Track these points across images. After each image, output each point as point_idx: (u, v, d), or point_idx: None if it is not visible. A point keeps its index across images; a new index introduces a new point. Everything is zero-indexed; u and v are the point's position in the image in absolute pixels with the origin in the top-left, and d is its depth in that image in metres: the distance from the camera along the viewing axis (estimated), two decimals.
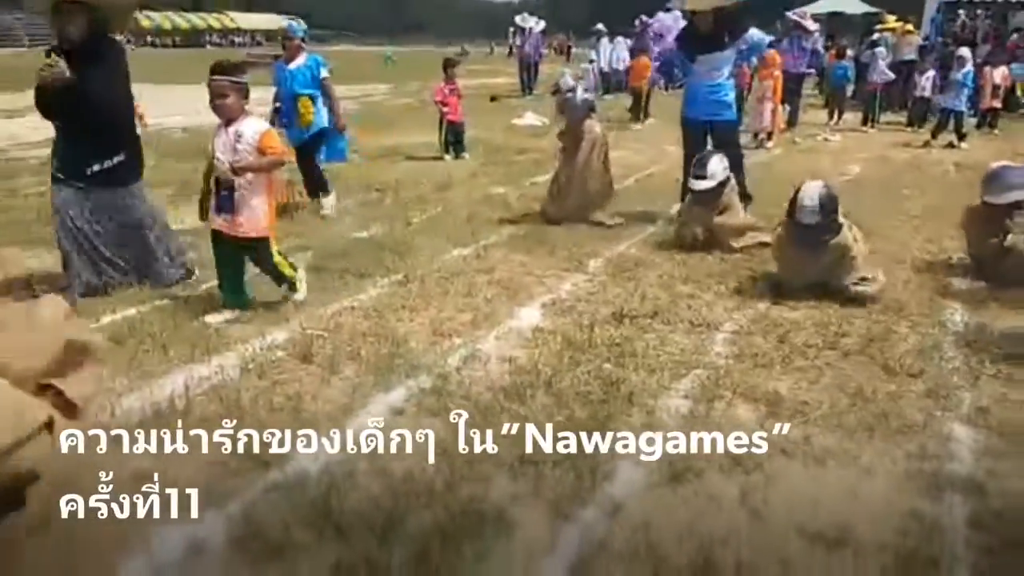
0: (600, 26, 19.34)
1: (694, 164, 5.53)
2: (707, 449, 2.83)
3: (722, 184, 5.46)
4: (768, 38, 6.90)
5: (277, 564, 2.28)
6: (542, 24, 20.27)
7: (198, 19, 59.53)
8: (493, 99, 16.86)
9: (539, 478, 2.69)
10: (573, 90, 5.66)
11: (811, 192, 4.26)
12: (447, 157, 9.51)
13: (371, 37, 64.82)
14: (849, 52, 14.65)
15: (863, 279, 4.33)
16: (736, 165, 5.93)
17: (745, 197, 6.02)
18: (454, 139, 9.66)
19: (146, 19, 51.98)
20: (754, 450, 2.77)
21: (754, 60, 11.92)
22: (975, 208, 5.02)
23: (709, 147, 6.00)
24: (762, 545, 2.35)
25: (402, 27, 77.26)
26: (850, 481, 2.70)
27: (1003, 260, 4.71)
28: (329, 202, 6.53)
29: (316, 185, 6.59)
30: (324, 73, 6.50)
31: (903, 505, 2.56)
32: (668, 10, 12.32)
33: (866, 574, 2.24)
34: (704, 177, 5.39)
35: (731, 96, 6.28)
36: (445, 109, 9.61)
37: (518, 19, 20.90)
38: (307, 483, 2.64)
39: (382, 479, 2.69)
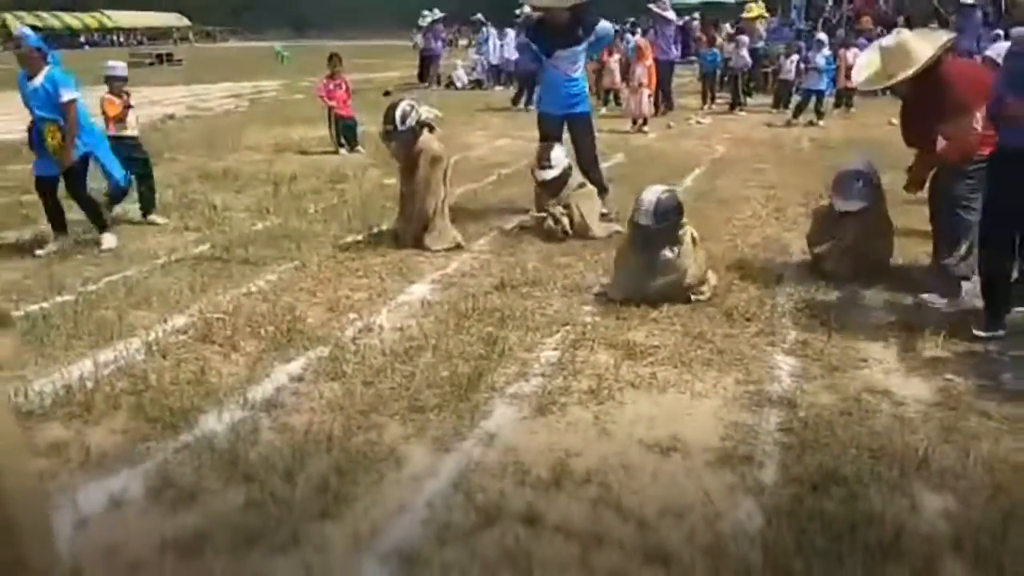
0: (479, 16, 19.76)
1: (537, 158, 5.76)
2: (570, 387, 3.32)
3: (567, 171, 5.70)
4: (613, 28, 7.08)
5: (190, 507, 2.58)
6: (438, 16, 20.55)
7: (72, 19, 56.60)
8: (387, 93, 17.02)
9: (425, 423, 3.09)
10: (404, 117, 5.32)
11: (650, 196, 4.26)
12: (341, 151, 9.72)
13: (264, 33, 63.21)
14: (718, 39, 15.62)
15: (693, 286, 4.27)
16: (593, 157, 6.29)
17: (602, 190, 6.19)
18: (346, 133, 9.88)
19: (13, 19, 49.14)
20: (607, 385, 3.29)
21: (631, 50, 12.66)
22: (820, 209, 5.09)
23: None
24: (608, 454, 2.82)
25: (295, 22, 75.57)
26: (685, 403, 3.23)
27: (838, 261, 4.72)
28: (109, 240, 5.53)
29: (91, 219, 5.60)
30: (65, 95, 5.24)
31: (728, 418, 3.10)
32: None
33: (692, 470, 2.74)
34: (550, 167, 5.65)
35: (585, 89, 6.40)
36: (331, 103, 9.82)
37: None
38: (214, 440, 2.95)
39: (284, 433, 3.03)
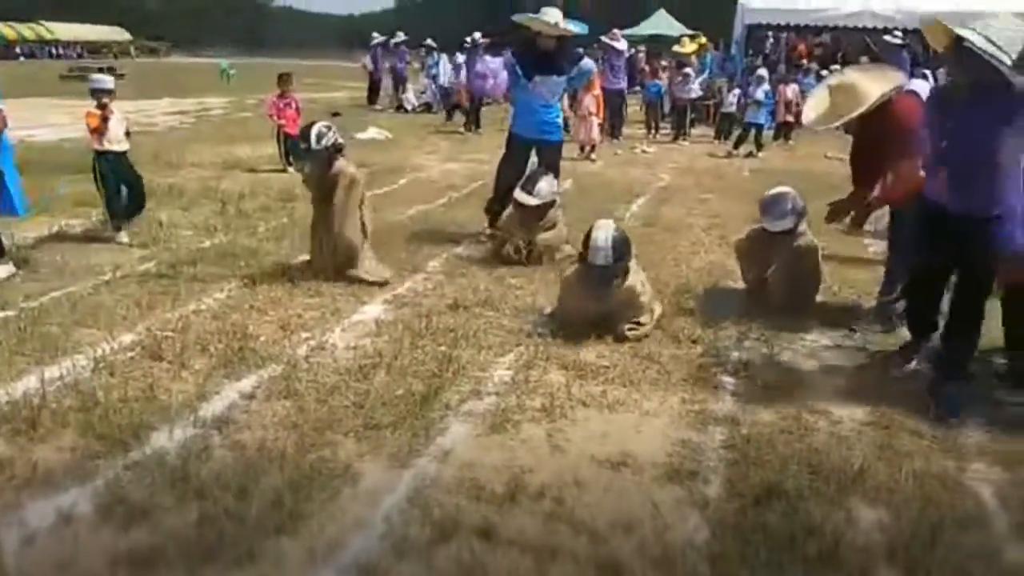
0: (429, 41, 19.99)
1: (525, 180, 5.70)
2: (524, 404, 3.39)
3: (549, 204, 5.70)
4: (594, 68, 7.24)
5: (142, 524, 2.55)
6: (381, 39, 20.68)
7: (7, 28, 54.92)
8: (335, 114, 17.01)
9: (380, 440, 3.11)
10: (319, 137, 5.03)
11: (604, 234, 4.21)
12: (289, 170, 9.67)
13: (208, 49, 62.32)
14: (661, 71, 16.12)
15: (638, 323, 4.26)
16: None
17: None
18: (295, 152, 9.83)
19: None
20: (559, 404, 3.37)
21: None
22: (750, 234, 5.15)
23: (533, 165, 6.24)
24: (561, 470, 2.90)
25: (241, 39, 74.77)
26: (635, 421, 3.33)
27: (775, 284, 4.82)
28: (3, 270, 5.11)
29: None
30: None
31: (675, 436, 3.21)
32: (496, 53, 13.05)
33: (642, 483, 2.84)
34: (532, 194, 5.59)
35: (560, 119, 6.46)
36: (281, 122, 9.79)
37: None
38: (165, 458, 2.92)
39: (236, 451, 3.02)
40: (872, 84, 4.21)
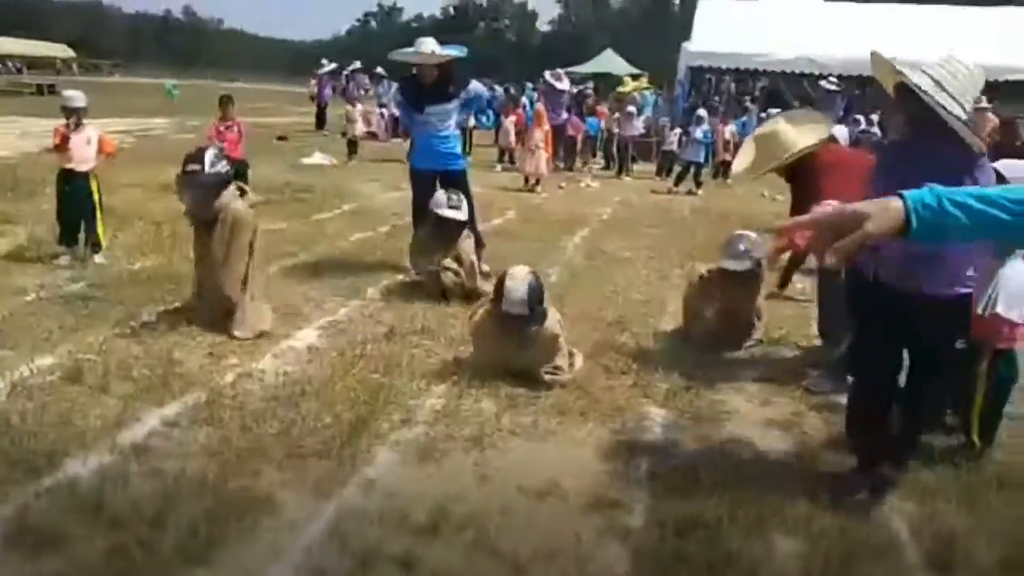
0: (380, 70, 20.10)
1: (446, 198, 5.53)
2: (453, 433, 3.39)
3: (471, 219, 5.69)
4: (486, 92, 7.21)
5: (52, 553, 2.46)
6: (332, 66, 20.69)
7: None
8: (281, 138, 16.87)
9: (305, 469, 3.06)
10: (213, 162, 4.49)
11: (519, 282, 3.98)
12: None
13: (151, 69, 61.26)
14: (601, 108, 16.62)
15: (557, 367, 4.08)
16: (471, 214, 6.07)
17: (480, 245, 6.14)
18: (236, 176, 9.69)
19: None
20: (489, 433, 3.37)
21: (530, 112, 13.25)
22: (695, 283, 5.04)
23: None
24: (486, 500, 2.89)
25: (189, 60, 73.81)
26: (563, 451, 3.35)
27: (714, 323, 4.80)
28: None
29: None
30: None
31: (602, 467, 3.23)
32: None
33: (566, 513, 2.85)
34: (459, 208, 5.49)
35: (459, 147, 6.39)
36: (221, 145, 9.65)
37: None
38: (79, 485, 2.82)
39: (154, 478, 2.93)
40: (796, 134, 4.15)
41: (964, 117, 2.81)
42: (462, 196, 5.64)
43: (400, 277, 6.08)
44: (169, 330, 4.52)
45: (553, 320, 4.15)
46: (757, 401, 4.08)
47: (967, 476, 3.28)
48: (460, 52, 6.27)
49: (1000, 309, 3.27)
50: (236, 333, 4.47)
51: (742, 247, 4.76)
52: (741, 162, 4.51)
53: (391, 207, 9.53)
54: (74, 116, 6.03)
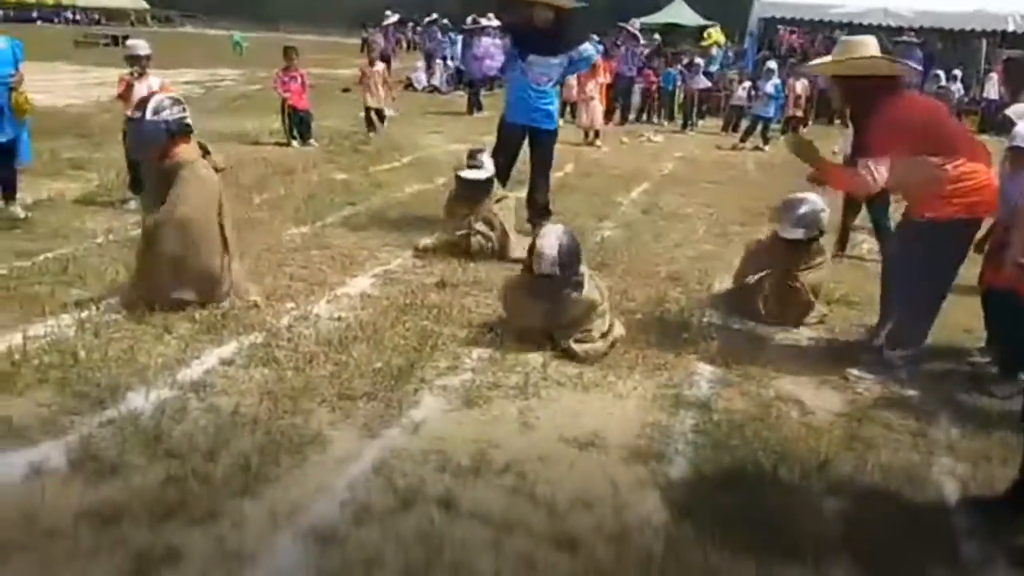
0: (445, 21, 19.94)
1: (468, 157, 5.37)
2: (499, 382, 3.42)
3: (492, 179, 5.38)
4: (598, 51, 6.73)
5: (112, 480, 2.60)
6: (395, 17, 20.65)
7: None
8: (346, 90, 16.97)
9: (353, 410, 3.15)
10: (157, 110, 3.97)
11: (551, 241, 3.75)
12: (294, 143, 9.69)
13: (222, 21, 62.08)
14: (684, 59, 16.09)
15: (586, 333, 3.80)
16: (546, 177, 6.04)
17: (546, 212, 6.02)
18: (300, 126, 9.85)
19: None
20: (534, 383, 3.40)
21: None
22: (759, 241, 4.77)
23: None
24: (528, 447, 2.93)
25: (255, 13, 74.51)
26: (607, 402, 3.35)
27: (742, 293, 4.53)
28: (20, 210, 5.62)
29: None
30: None
31: (646, 419, 3.23)
32: (488, 33, 12.95)
33: (607, 464, 2.86)
34: (479, 166, 5.26)
35: (555, 105, 6.08)
36: (286, 95, 9.79)
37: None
38: (140, 418, 2.96)
39: (210, 413, 3.05)
40: (879, 54, 3.69)
41: None
42: (485, 155, 5.39)
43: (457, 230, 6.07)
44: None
45: (592, 287, 3.86)
46: (809, 360, 3.99)
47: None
48: (582, 3, 6.01)
49: None
50: (223, 303, 4.03)
51: (801, 210, 4.31)
52: (819, 61, 4.31)
53: (451, 159, 9.53)
54: (137, 64, 6.17)
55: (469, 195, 5.36)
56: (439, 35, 20.06)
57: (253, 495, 2.54)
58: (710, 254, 5.87)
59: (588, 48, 6.10)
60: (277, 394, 3.22)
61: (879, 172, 3.47)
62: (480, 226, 5.30)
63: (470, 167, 5.32)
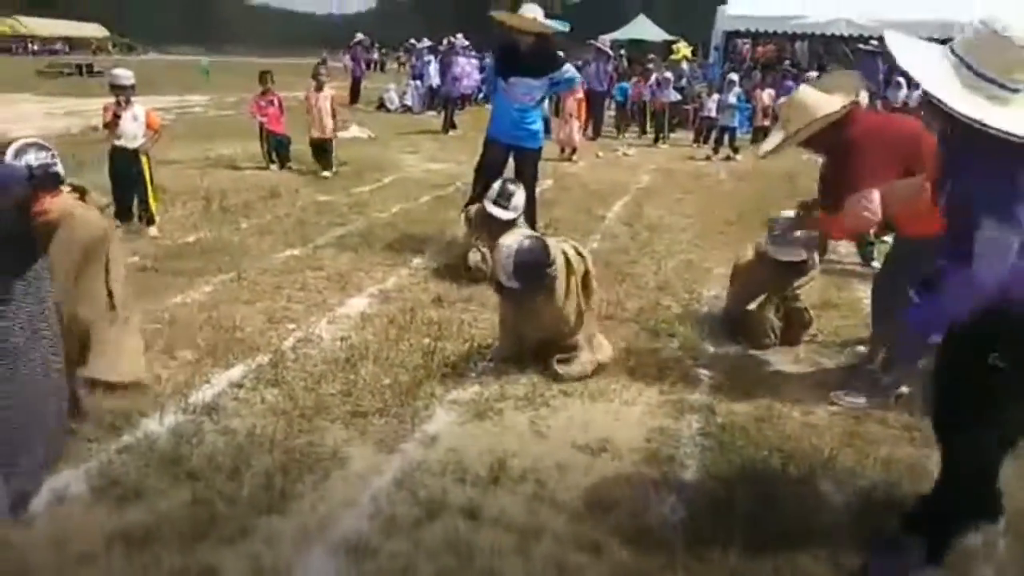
0: (414, 42, 20.13)
1: (499, 192, 5.10)
2: (506, 393, 3.50)
3: (518, 220, 5.10)
4: (578, 77, 6.71)
5: (136, 505, 2.62)
6: (359, 36, 20.79)
7: None
8: None
9: (367, 426, 3.20)
10: (19, 152, 3.31)
11: (505, 250, 3.56)
12: (272, 167, 9.70)
13: (182, 47, 61.86)
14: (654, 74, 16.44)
15: (573, 350, 3.72)
16: (530, 196, 5.82)
17: (533, 228, 5.79)
18: (278, 149, 9.87)
19: None
20: (541, 393, 3.48)
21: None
22: (748, 262, 4.51)
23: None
24: (543, 455, 3.00)
25: (219, 37, 74.21)
26: (614, 410, 3.44)
27: (749, 322, 4.36)
28: None
29: None
30: None
31: (653, 424, 3.32)
32: (462, 53, 12.96)
33: (619, 469, 2.95)
34: (507, 208, 5.02)
35: (539, 124, 6.11)
36: (263, 120, 9.81)
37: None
38: (157, 442, 2.99)
39: (227, 435, 3.09)
40: (823, 97, 3.55)
41: None
42: (519, 189, 5.18)
43: (443, 247, 6.17)
44: (227, 299, 4.68)
45: (569, 299, 3.67)
46: (804, 361, 4.13)
47: None
48: (562, 26, 6.06)
49: None
50: (98, 375, 3.26)
51: (797, 232, 4.05)
52: (769, 140, 3.81)
53: (430, 178, 9.63)
54: (123, 94, 6.20)
55: (488, 224, 5.09)
56: (427, 56, 20.24)
57: (281, 512, 2.59)
58: (695, 263, 6.01)
59: (570, 70, 6.14)
60: (290, 414, 3.26)
61: (872, 204, 3.25)
62: (484, 248, 5.14)
63: (497, 204, 5.01)
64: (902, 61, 2.15)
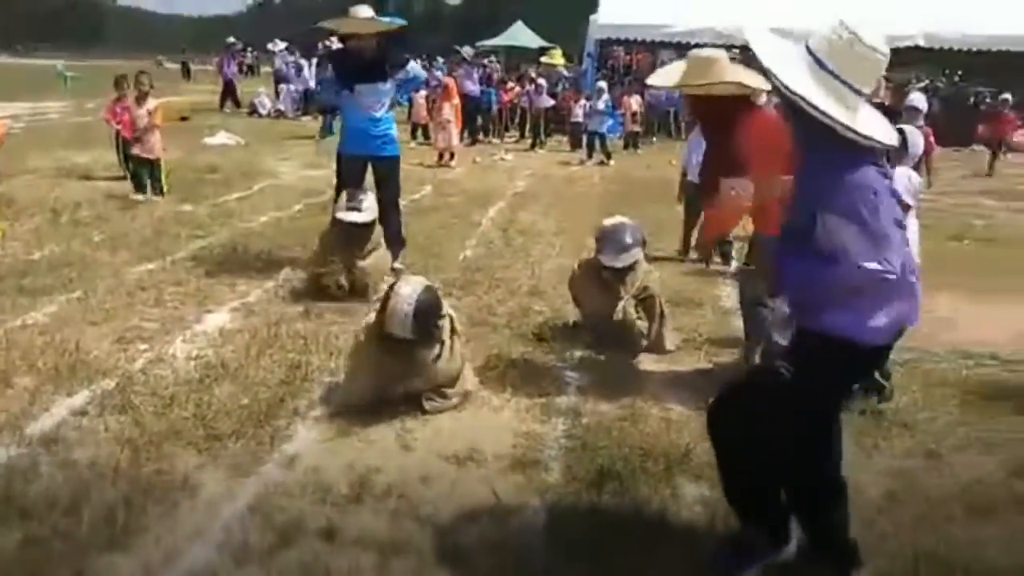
0: (280, 44, 19.69)
1: (348, 198, 4.97)
2: (373, 408, 3.42)
3: (375, 223, 5.09)
4: (424, 74, 6.63)
5: None
6: (230, 40, 20.08)
7: None
8: (184, 118, 16.26)
9: (221, 450, 3.05)
10: None
11: (404, 299, 3.29)
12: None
13: (43, 49, 57.83)
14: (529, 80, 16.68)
15: (441, 391, 3.48)
16: (396, 205, 5.72)
17: (400, 242, 5.69)
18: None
19: None
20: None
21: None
22: (585, 265, 4.48)
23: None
24: (408, 468, 2.96)
25: (81, 40, 69.86)
26: (483, 416, 3.44)
27: (612, 326, 4.25)
28: None
29: None
30: None
31: (520, 429, 3.34)
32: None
33: (486, 475, 2.94)
34: (359, 210, 4.89)
35: (394, 130, 5.77)
36: (118, 127, 9.23)
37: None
38: None
39: (66, 468, 2.87)
40: (735, 69, 3.60)
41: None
42: (367, 192, 5.14)
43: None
44: (73, 319, 4.38)
45: (456, 349, 3.53)
46: (666, 361, 4.25)
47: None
48: (397, 21, 5.81)
49: None
50: None
51: (626, 238, 4.14)
52: (662, 75, 3.99)
53: (302, 186, 9.38)
54: None
55: (347, 237, 4.94)
56: (289, 58, 19.66)
57: (123, 548, 2.42)
58: (566, 266, 6.06)
59: (414, 67, 5.92)
60: (137, 441, 3.07)
61: (745, 192, 3.36)
62: (337, 268, 4.92)
63: (350, 208, 4.91)
64: (765, 61, 2.17)
